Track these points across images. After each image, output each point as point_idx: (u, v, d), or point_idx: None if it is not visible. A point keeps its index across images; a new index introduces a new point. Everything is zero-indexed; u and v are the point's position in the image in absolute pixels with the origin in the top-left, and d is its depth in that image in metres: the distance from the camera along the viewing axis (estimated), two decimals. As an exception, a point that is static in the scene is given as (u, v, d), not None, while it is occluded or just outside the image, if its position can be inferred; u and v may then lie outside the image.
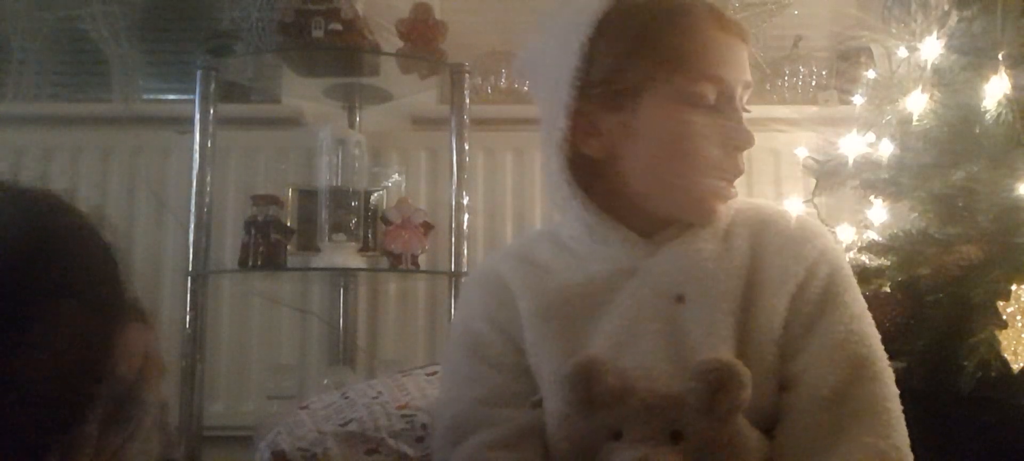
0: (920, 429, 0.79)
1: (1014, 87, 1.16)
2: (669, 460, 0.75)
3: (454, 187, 1.86)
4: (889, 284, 1.22)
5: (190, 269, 1.78)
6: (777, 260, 0.84)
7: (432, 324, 2.08)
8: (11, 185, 0.61)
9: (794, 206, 1.49)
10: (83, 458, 0.72)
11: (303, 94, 2.13)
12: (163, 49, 2.33)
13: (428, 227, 1.87)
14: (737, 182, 0.89)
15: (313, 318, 2.07)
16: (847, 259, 0.92)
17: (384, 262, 1.88)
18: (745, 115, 0.88)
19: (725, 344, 0.79)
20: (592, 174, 0.87)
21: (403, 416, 1.15)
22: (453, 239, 1.86)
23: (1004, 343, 1.03)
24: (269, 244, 1.80)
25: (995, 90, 1.17)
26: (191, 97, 1.84)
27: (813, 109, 2.10)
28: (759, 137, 0.89)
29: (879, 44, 1.68)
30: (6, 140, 2.11)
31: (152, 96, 2.32)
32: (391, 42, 1.89)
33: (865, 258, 1.30)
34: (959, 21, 1.31)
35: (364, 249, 1.89)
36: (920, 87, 1.31)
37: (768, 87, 2.17)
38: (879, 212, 1.41)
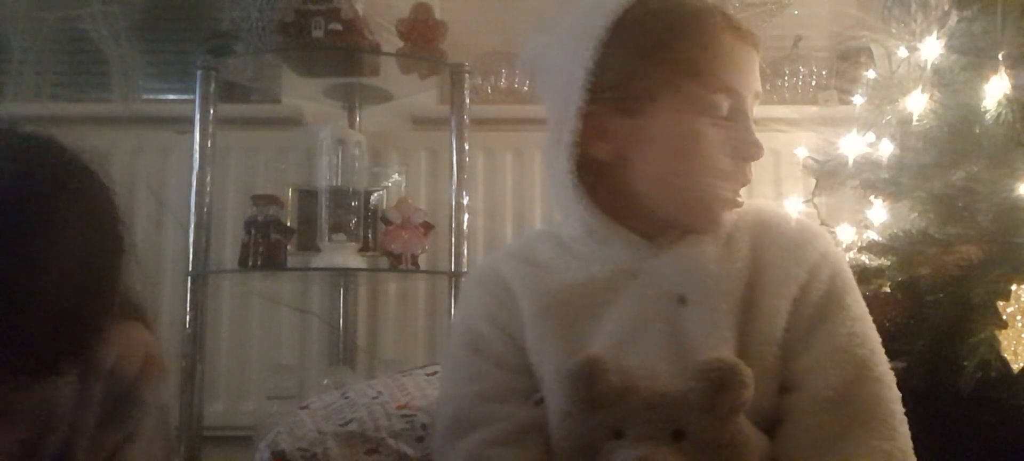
0: (920, 429, 0.80)
1: (1014, 87, 1.16)
2: (670, 459, 0.75)
3: (454, 187, 1.86)
4: (889, 284, 1.22)
5: (190, 269, 1.78)
6: (779, 262, 0.84)
7: (432, 324, 2.08)
8: (15, 128, 0.66)
9: (794, 206, 1.50)
10: (79, 451, 0.72)
11: (303, 94, 2.13)
12: (163, 49, 2.33)
13: (428, 227, 1.87)
14: (738, 185, 0.89)
15: (313, 318, 2.07)
16: (847, 260, 0.92)
17: (384, 262, 1.88)
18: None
19: (726, 345, 0.79)
20: (597, 175, 0.87)
21: (403, 416, 1.15)
22: (453, 239, 1.86)
23: (1004, 343, 1.03)
24: (269, 244, 1.80)
25: (995, 90, 1.17)
26: (191, 97, 1.84)
27: (813, 109, 2.10)
28: (759, 137, 0.89)
29: (879, 44, 1.68)
30: (6, 140, 2.11)
31: (152, 96, 2.32)
32: (391, 42, 1.89)
33: (865, 258, 1.30)
34: (959, 21, 1.31)
35: (364, 249, 1.89)
36: (920, 87, 1.31)
37: (768, 87, 2.17)
38: (879, 212, 1.41)
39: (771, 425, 0.81)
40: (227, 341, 2.06)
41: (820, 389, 0.79)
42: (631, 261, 0.87)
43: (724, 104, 0.84)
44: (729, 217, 0.88)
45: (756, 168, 0.89)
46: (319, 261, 1.84)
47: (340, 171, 1.86)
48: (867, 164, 1.44)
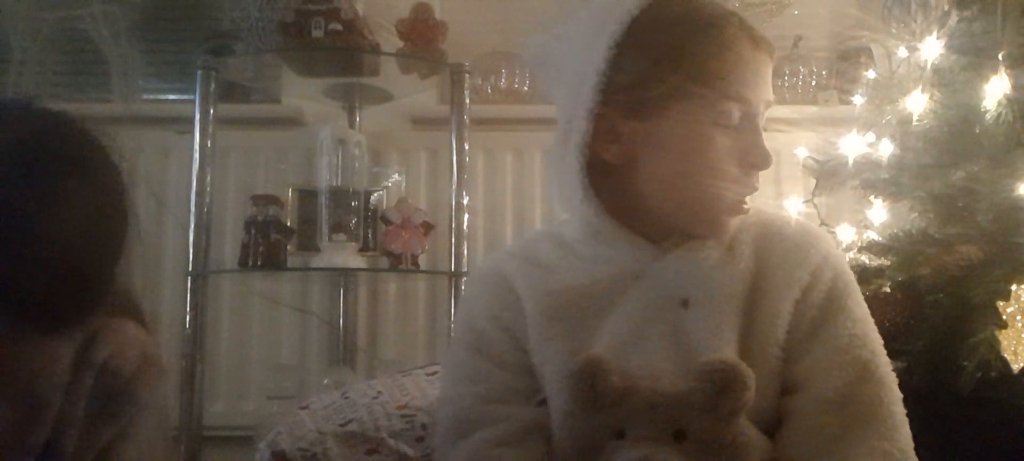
0: (920, 429, 0.80)
1: (1014, 87, 1.16)
2: (672, 460, 0.75)
3: (454, 187, 1.86)
4: (889, 284, 1.22)
5: (190, 269, 1.78)
6: (782, 265, 0.85)
7: (432, 324, 2.08)
8: (31, 103, 0.69)
9: (794, 206, 1.50)
10: (68, 441, 0.73)
11: (303, 94, 2.13)
12: (163, 49, 2.32)
13: (428, 227, 1.87)
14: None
15: (313, 318, 2.07)
16: (847, 260, 0.92)
17: (384, 262, 1.88)
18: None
19: (728, 347, 0.80)
20: (603, 177, 0.87)
21: (403, 416, 1.15)
22: (453, 239, 1.86)
23: (1004, 343, 1.03)
24: (269, 244, 1.80)
25: (995, 90, 1.17)
26: (191, 97, 1.84)
27: (813, 109, 2.10)
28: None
29: (879, 44, 1.68)
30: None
31: (152, 96, 2.32)
32: (391, 42, 1.89)
33: (865, 258, 1.30)
34: (959, 21, 1.31)
35: (364, 249, 1.89)
36: (920, 87, 1.31)
37: (768, 87, 2.17)
38: (879, 212, 1.41)
39: (772, 426, 0.81)
40: (227, 341, 2.05)
41: (821, 390, 0.79)
42: (635, 263, 0.87)
43: (735, 112, 0.84)
44: (733, 222, 0.88)
45: (756, 168, 0.89)
46: (319, 261, 1.84)
47: (340, 171, 1.86)
48: (867, 164, 1.44)
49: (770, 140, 0.88)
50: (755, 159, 0.86)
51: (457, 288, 1.83)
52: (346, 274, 1.94)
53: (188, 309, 1.77)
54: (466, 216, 1.87)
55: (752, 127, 0.86)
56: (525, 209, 2.11)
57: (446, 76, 1.92)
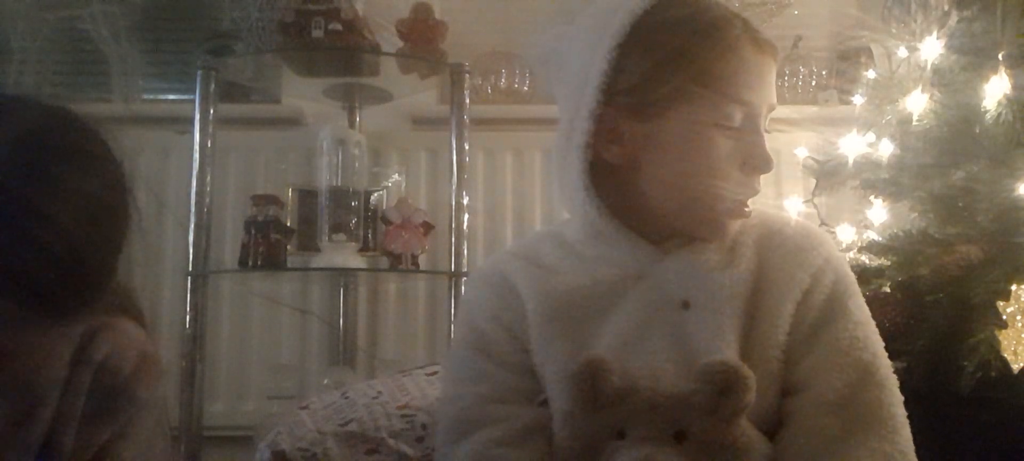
0: (920, 429, 0.80)
1: (1014, 87, 1.16)
2: (672, 461, 0.75)
3: (454, 187, 1.86)
4: (889, 284, 1.22)
5: (190, 269, 1.78)
6: (783, 267, 0.85)
7: (432, 324, 2.08)
8: (36, 98, 0.71)
9: (794, 206, 1.50)
10: (65, 438, 0.73)
11: (303, 94, 2.13)
12: (163, 49, 2.32)
13: (428, 227, 1.87)
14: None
15: (313, 318, 2.07)
16: (847, 260, 0.92)
17: (384, 262, 1.88)
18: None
19: (729, 348, 0.80)
20: (605, 178, 0.87)
21: (403, 416, 1.15)
22: (453, 239, 1.85)
23: (1004, 343, 1.03)
24: (269, 244, 1.80)
25: (995, 90, 1.17)
26: (191, 97, 1.84)
27: (813, 109, 2.10)
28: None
29: (879, 44, 1.68)
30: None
31: (152, 96, 2.32)
32: (391, 42, 1.89)
33: (865, 258, 1.30)
34: (959, 21, 1.31)
35: (364, 249, 1.89)
36: (920, 87, 1.31)
37: (768, 87, 2.17)
38: (879, 212, 1.41)
39: (773, 428, 0.81)
40: (227, 341, 2.05)
41: (822, 392, 0.79)
42: (636, 265, 0.87)
43: (738, 115, 0.84)
44: (734, 224, 0.88)
45: (756, 168, 0.88)
46: (319, 261, 1.84)
47: (340, 171, 1.86)
48: (867, 164, 1.44)
49: (770, 140, 0.88)
50: (757, 162, 0.86)
51: (457, 288, 1.83)
52: (346, 274, 1.94)
53: (188, 309, 1.77)
54: (466, 216, 1.87)
55: (754, 130, 0.86)
56: (525, 209, 2.11)
57: (446, 76, 1.92)
